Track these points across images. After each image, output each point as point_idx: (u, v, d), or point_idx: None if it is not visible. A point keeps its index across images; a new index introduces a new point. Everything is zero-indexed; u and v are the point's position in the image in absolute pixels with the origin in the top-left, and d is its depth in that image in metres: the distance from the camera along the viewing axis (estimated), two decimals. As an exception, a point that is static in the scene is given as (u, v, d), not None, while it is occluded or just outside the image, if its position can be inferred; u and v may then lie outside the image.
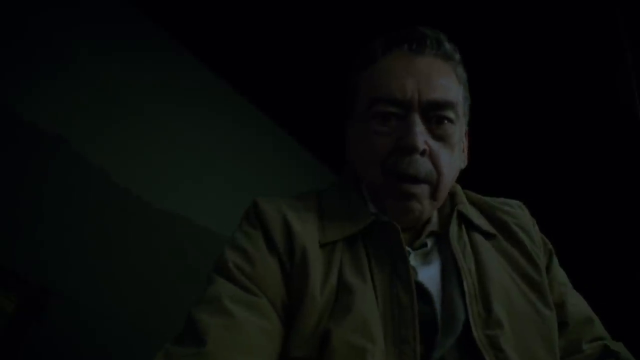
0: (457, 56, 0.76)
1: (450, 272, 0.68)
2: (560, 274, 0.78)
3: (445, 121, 0.71)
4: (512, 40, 1.62)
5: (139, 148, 1.70)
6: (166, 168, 1.76)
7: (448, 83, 0.72)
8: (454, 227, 0.72)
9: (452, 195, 0.78)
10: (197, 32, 1.84)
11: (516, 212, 0.80)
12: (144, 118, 1.74)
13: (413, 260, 0.69)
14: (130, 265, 1.56)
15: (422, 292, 0.65)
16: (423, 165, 0.68)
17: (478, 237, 0.73)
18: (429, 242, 0.73)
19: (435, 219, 0.75)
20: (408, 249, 0.70)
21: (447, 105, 0.70)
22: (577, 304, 0.76)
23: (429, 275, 0.68)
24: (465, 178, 0.80)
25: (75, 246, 1.47)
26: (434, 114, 0.70)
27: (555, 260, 0.79)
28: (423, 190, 0.69)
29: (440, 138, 0.71)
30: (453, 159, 0.72)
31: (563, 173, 1.99)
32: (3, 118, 1.41)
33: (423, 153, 0.68)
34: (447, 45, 0.75)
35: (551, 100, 1.82)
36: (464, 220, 0.75)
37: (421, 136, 0.68)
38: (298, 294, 0.63)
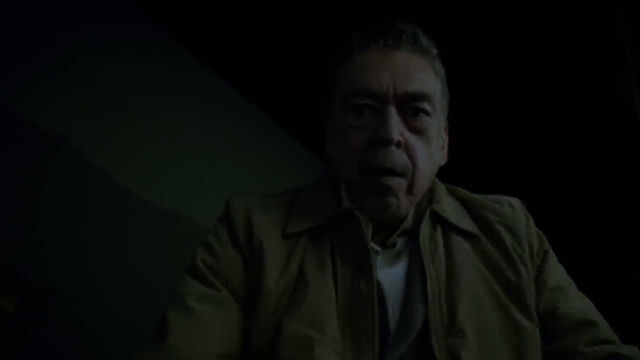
0: (434, 50, 0.76)
1: (416, 275, 0.65)
2: (554, 277, 0.72)
3: (421, 113, 0.70)
4: (512, 41, 1.62)
5: (139, 148, 1.70)
6: (166, 168, 1.76)
7: (424, 76, 0.72)
8: (425, 228, 0.69)
9: (431, 192, 0.76)
10: (197, 31, 1.84)
11: (503, 210, 0.75)
12: (144, 118, 1.74)
13: (381, 259, 0.68)
14: (130, 265, 1.56)
15: (379, 293, 0.64)
16: (399, 157, 0.67)
17: (456, 239, 0.70)
18: (400, 242, 0.71)
19: (410, 216, 0.73)
20: (377, 247, 0.69)
21: (423, 97, 0.70)
22: (575, 307, 0.70)
23: (390, 276, 0.66)
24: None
25: (75, 246, 1.47)
26: (410, 106, 0.69)
27: (552, 261, 0.74)
28: (399, 183, 0.68)
29: (417, 130, 0.70)
30: (430, 152, 0.71)
31: (563, 173, 1.99)
32: (3, 118, 1.42)
33: (399, 145, 0.68)
34: (424, 40, 0.74)
35: (552, 101, 1.82)
36: (440, 220, 0.72)
37: (396, 128, 0.67)
38: (256, 285, 0.65)
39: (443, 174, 0.80)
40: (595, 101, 1.77)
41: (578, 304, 0.71)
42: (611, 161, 1.92)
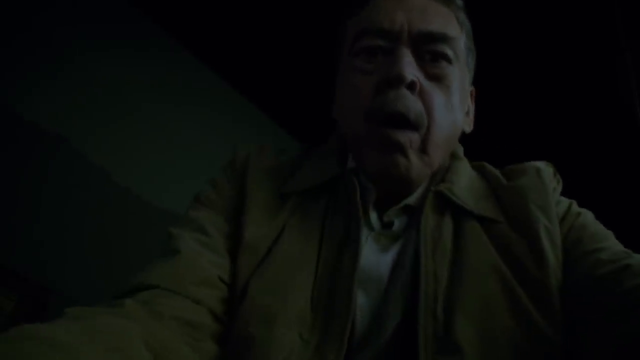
0: (459, 1, 0.65)
1: (402, 270, 0.55)
2: (587, 238, 0.56)
3: (441, 59, 0.59)
4: (511, 41, 1.62)
5: (138, 147, 1.71)
6: (165, 167, 1.76)
7: (445, 20, 0.61)
8: (428, 214, 0.57)
9: (448, 168, 0.63)
10: (196, 31, 1.84)
11: (533, 183, 0.60)
12: (143, 117, 1.74)
13: (373, 238, 0.58)
14: (130, 265, 1.56)
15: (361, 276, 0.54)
16: (412, 102, 0.56)
17: (469, 226, 0.57)
18: (399, 222, 0.59)
19: (420, 191, 0.60)
20: (375, 222, 0.59)
21: (444, 38, 0.59)
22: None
23: (373, 266, 0.55)
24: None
25: (75, 245, 1.47)
26: (428, 49, 0.59)
27: (581, 220, 0.59)
28: (410, 138, 0.56)
29: (435, 77, 0.59)
30: (450, 105, 0.59)
31: (562, 174, 1.99)
32: (2, 118, 1.42)
33: (412, 87, 0.56)
34: None
35: (551, 101, 1.82)
36: (449, 203, 0.58)
37: (410, 67, 0.56)
38: (237, 235, 0.59)
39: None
40: (595, 101, 1.77)
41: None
42: (611, 162, 1.92)
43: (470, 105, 0.68)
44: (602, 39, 1.56)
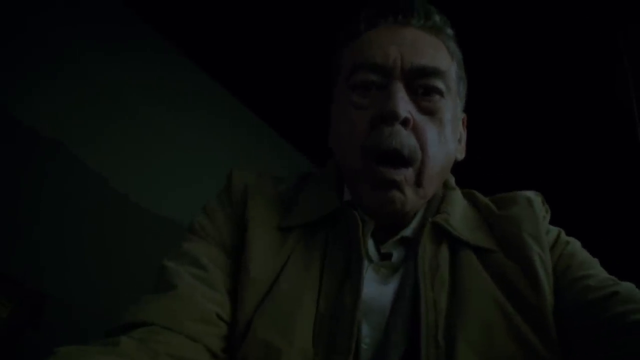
0: (449, 30, 0.67)
1: (407, 299, 0.55)
2: (576, 266, 0.59)
3: (433, 92, 0.60)
4: (510, 44, 1.63)
5: (136, 150, 1.70)
6: (163, 171, 1.75)
7: (436, 52, 0.63)
8: (427, 243, 0.59)
9: (443, 198, 0.66)
10: (193, 34, 1.84)
11: (525, 213, 0.63)
12: (141, 120, 1.74)
13: (373, 270, 0.59)
14: (127, 269, 1.55)
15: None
16: (406, 138, 0.57)
17: (465, 256, 0.59)
18: (397, 253, 0.61)
19: (415, 223, 0.62)
20: (374, 254, 0.60)
21: (435, 72, 0.61)
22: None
23: (379, 294, 0.57)
24: (463, 178, 0.75)
25: (72, 250, 1.46)
26: (420, 83, 0.60)
27: (570, 249, 0.62)
28: (406, 176, 0.58)
29: (428, 111, 0.60)
30: (443, 138, 0.61)
31: (561, 176, 1.99)
32: (0, 119, 1.41)
33: (405, 123, 0.58)
34: (437, 17, 0.66)
35: (550, 104, 1.82)
36: (445, 233, 0.60)
37: (403, 103, 0.58)
38: (240, 270, 0.59)
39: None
40: (593, 104, 1.77)
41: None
42: (609, 164, 1.92)
43: (462, 133, 0.70)
44: (601, 42, 1.57)
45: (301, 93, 1.97)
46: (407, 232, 0.61)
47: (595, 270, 0.58)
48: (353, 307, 0.53)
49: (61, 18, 1.58)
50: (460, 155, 0.68)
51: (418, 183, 0.59)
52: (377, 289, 0.57)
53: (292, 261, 0.59)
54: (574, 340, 0.52)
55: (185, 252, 0.59)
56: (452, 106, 0.63)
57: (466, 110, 0.72)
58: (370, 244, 0.61)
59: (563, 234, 0.64)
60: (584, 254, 0.62)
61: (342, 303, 0.54)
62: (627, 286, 0.53)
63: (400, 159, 0.57)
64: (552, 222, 0.66)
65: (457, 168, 0.70)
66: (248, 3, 1.67)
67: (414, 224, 0.62)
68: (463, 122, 0.71)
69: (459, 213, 0.64)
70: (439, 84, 0.61)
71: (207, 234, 0.62)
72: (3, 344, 1.23)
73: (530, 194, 0.66)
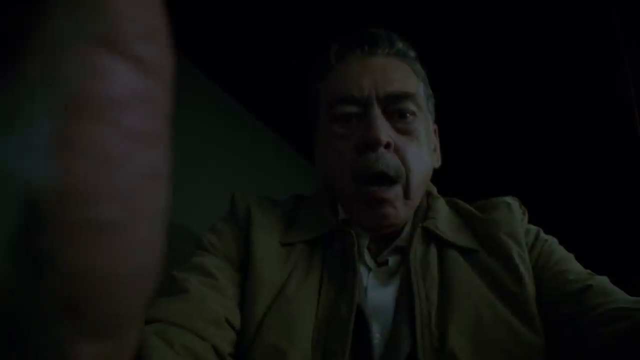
0: (412, 53, 0.75)
1: (405, 296, 0.63)
2: (554, 261, 0.66)
3: (408, 114, 0.69)
4: (510, 43, 1.63)
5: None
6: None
7: (404, 77, 0.71)
8: (417, 246, 0.67)
9: (428, 206, 0.74)
10: (193, 37, 1.84)
11: (504, 216, 0.70)
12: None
13: (374, 277, 0.66)
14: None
15: (360, 316, 0.61)
16: (391, 160, 0.66)
17: (452, 255, 0.67)
18: (392, 260, 0.68)
19: (405, 233, 0.70)
20: (371, 264, 0.68)
21: (407, 96, 0.69)
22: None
23: (381, 296, 0.64)
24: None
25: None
26: (395, 108, 0.68)
27: (548, 246, 0.69)
28: (395, 193, 0.66)
29: (405, 132, 0.68)
30: (421, 154, 0.69)
31: (561, 175, 1.99)
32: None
33: (388, 146, 0.66)
34: (400, 44, 0.74)
35: (550, 103, 1.82)
36: (433, 237, 0.68)
37: (384, 129, 0.66)
38: (247, 278, 0.65)
39: (440, 176, 0.79)
40: (593, 103, 1.78)
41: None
42: (609, 163, 1.92)
43: (435, 143, 0.78)
44: (600, 41, 1.57)
45: (301, 94, 1.97)
46: (400, 241, 0.69)
47: (572, 265, 0.66)
48: (348, 315, 0.60)
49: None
50: (437, 163, 0.77)
51: (406, 196, 0.68)
52: (380, 291, 0.65)
53: (295, 272, 0.65)
54: (554, 329, 0.59)
55: (194, 264, 0.64)
56: (424, 122, 0.72)
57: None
58: (367, 255, 0.68)
59: (542, 232, 0.72)
60: (561, 250, 0.69)
61: (338, 312, 0.60)
62: (600, 279, 0.61)
63: (388, 179, 0.65)
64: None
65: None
66: (248, 4, 1.68)
67: (404, 232, 0.70)
68: (435, 132, 0.79)
69: (444, 218, 0.72)
70: (411, 106, 0.69)
71: (216, 249, 0.67)
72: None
73: (509, 199, 0.75)
